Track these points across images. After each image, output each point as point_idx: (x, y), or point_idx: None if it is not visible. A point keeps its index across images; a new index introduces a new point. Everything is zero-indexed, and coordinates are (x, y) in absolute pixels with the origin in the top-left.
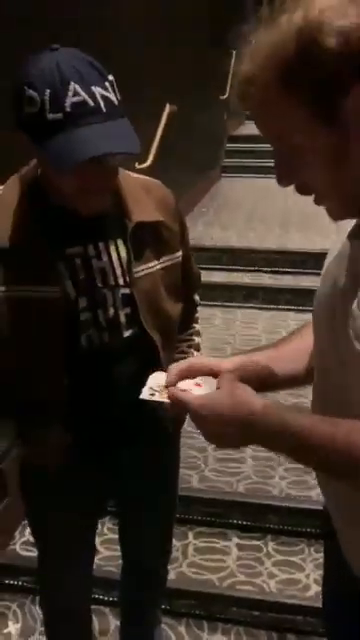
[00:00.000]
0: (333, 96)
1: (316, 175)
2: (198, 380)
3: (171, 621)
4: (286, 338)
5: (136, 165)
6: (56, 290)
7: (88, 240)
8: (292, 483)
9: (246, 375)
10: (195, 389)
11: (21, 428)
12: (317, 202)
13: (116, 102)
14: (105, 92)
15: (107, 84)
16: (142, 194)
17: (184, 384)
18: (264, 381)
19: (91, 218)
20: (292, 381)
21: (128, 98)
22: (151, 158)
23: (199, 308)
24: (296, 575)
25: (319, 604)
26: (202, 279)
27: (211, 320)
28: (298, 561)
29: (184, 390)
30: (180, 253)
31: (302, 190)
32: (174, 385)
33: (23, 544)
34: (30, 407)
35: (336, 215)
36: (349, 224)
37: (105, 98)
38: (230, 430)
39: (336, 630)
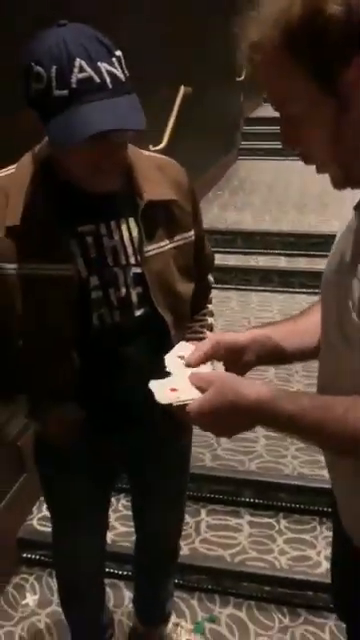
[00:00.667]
0: (334, 65)
1: (316, 143)
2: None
3: (184, 595)
4: (305, 311)
5: (150, 147)
6: (68, 268)
7: (100, 218)
8: (304, 462)
9: (262, 351)
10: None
11: (34, 405)
12: (318, 170)
13: (123, 78)
14: (112, 68)
15: (114, 60)
16: (155, 173)
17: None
18: (278, 355)
19: (103, 196)
20: (310, 353)
21: (142, 79)
22: (165, 140)
23: (214, 291)
24: (307, 552)
25: (329, 580)
26: (217, 262)
27: (226, 303)
28: (309, 539)
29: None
30: (192, 233)
31: (304, 157)
32: (198, 365)
33: (40, 519)
34: (43, 385)
35: (336, 184)
36: None
37: (111, 74)
38: (232, 424)
39: (344, 605)
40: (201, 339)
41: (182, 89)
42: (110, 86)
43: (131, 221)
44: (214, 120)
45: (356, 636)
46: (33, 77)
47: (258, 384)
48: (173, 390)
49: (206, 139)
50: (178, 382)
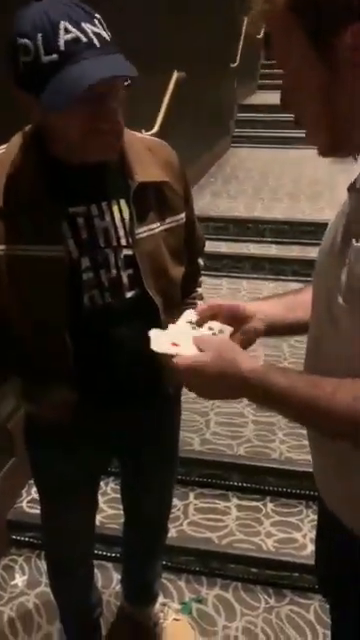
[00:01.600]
0: (332, 29)
1: (308, 107)
2: (221, 327)
3: (171, 576)
4: (302, 288)
5: (142, 132)
6: (59, 249)
7: (91, 199)
8: (292, 447)
9: (266, 320)
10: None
11: (26, 387)
12: (307, 137)
13: (108, 38)
14: (95, 29)
15: (96, 21)
16: (146, 154)
17: (211, 324)
18: (283, 325)
19: (95, 176)
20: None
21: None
22: (158, 125)
23: (205, 277)
24: (293, 535)
25: (313, 561)
26: (208, 249)
27: (217, 290)
28: (296, 521)
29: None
30: (183, 215)
31: (297, 120)
32: (205, 314)
33: (30, 502)
34: (36, 367)
35: (322, 151)
36: None
37: (97, 34)
38: (219, 387)
39: (329, 586)
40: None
41: (175, 74)
42: (98, 45)
43: (122, 202)
44: (207, 107)
45: (343, 617)
46: (21, 51)
47: (255, 360)
48: (174, 344)
49: (199, 126)
50: (180, 338)
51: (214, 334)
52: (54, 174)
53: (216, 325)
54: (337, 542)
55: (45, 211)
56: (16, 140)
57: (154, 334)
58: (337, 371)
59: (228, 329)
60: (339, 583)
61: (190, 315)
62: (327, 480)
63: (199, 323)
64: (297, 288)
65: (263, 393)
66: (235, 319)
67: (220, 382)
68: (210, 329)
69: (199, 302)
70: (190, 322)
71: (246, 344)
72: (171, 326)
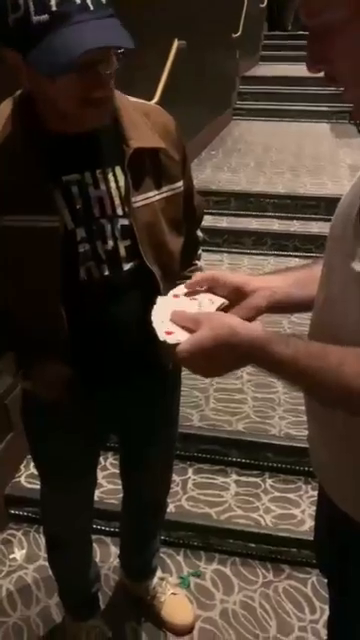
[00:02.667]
0: None
1: (345, 61)
2: (211, 298)
3: (169, 551)
4: (310, 264)
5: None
6: (54, 219)
7: (85, 167)
8: (291, 423)
9: (275, 297)
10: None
11: (22, 362)
12: (343, 96)
13: (104, 1)
14: None
15: None
16: (142, 119)
17: (200, 297)
18: (285, 306)
19: (88, 143)
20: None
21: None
22: (157, 96)
23: (205, 253)
24: (292, 510)
25: (312, 537)
26: (209, 224)
27: (217, 266)
28: (294, 497)
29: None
30: (181, 184)
31: (329, 78)
32: (194, 290)
33: (28, 477)
34: (32, 342)
35: (357, 113)
36: None
37: None
38: (222, 361)
39: (326, 563)
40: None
41: (176, 43)
42: (92, 7)
43: (117, 170)
44: (208, 78)
45: (341, 592)
46: (9, 7)
47: (252, 324)
48: (168, 333)
49: (200, 97)
50: (169, 326)
51: (210, 300)
52: (46, 141)
53: (204, 297)
54: (334, 521)
55: (37, 180)
56: (5, 107)
57: (155, 319)
58: (343, 339)
59: (218, 301)
60: (336, 561)
61: (178, 290)
62: (323, 458)
63: (188, 295)
64: (308, 262)
65: (264, 360)
66: (236, 293)
67: (221, 353)
68: (194, 299)
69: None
70: (175, 296)
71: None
72: (158, 305)
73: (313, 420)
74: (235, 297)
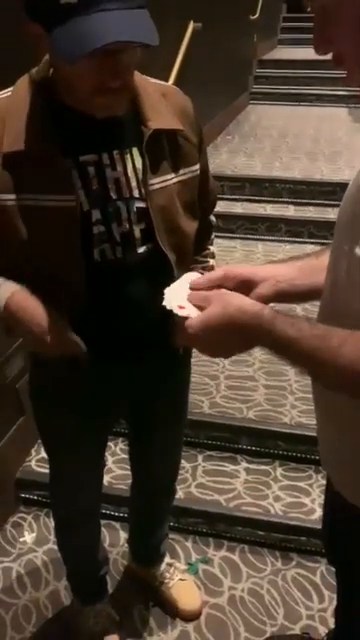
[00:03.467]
0: None
1: (344, 41)
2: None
3: (178, 537)
4: (320, 251)
5: None
6: (69, 200)
7: (102, 148)
8: (302, 412)
9: (281, 286)
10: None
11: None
12: (347, 78)
13: None
14: None
15: None
16: (160, 100)
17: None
18: (295, 292)
19: (106, 124)
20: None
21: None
22: (172, 79)
23: (218, 239)
24: (302, 499)
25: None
26: (223, 210)
27: (231, 252)
28: (304, 486)
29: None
30: (198, 167)
31: (337, 59)
32: (199, 288)
33: (39, 461)
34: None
35: None
36: None
37: None
38: (229, 341)
39: (333, 551)
40: None
41: (191, 25)
42: None
43: (135, 151)
44: (225, 61)
45: (345, 581)
46: None
47: (260, 303)
48: (180, 307)
49: (216, 81)
50: (181, 301)
51: None
52: (63, 120)
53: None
54: (341, 511)
55: (54, 159)
56: (22, 84)
57: (168, 294)
58: (349, 325)
59: None
60: (344, 551)
61: (190, 277)
62: (328, 446)
63: (199, 287)
64: (317, 250)
65: (270, 341)
66: (246, 285)
67: (228, 332)
68: None
69: (211, 260)
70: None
71: None
72: (174, 285)
73: (318, 407)
74: (244, 289)
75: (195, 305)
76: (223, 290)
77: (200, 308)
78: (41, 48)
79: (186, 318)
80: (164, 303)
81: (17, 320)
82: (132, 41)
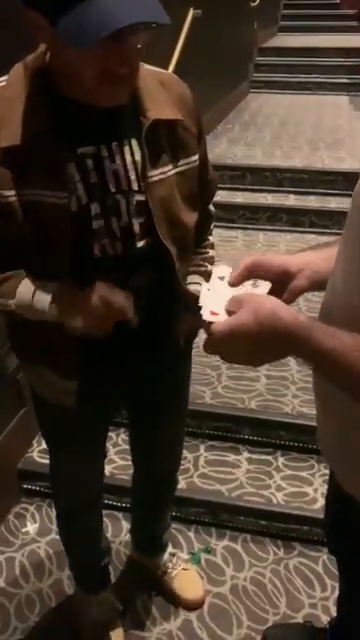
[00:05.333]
0: None
1: None
2: (255, 282)
3: (180, 527)
4: (333, 241)
5: None
6: (63, 196)
7: (100, 139)
8: (304, 401)
9: (316, 275)
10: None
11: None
12: None
13: None
14: None
15: None
16: (158, 89)
17: (245, 285)
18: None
19: (104, 115)
20: None
21: None
22: (172, 67)
23: (219, 229)
24: (304, 489)
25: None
26: (223, 199)
27: (232, 242)
28: (307, 476)
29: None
30: (197, 157)
31: None
32: (240, 283)
33: (40, 452)
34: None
35: None
36: None
37: None
38: (261, 348)
39: (335, 543)
40: (203, 272)
41: (191, 12)
42: None
43: (134, 143)
44: (225, 49)
45: (345, 571)
46: None
47: (295, 311)
48: (213, 314)
49: (216, 69)
50: (216, 305)
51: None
52: (60, 111)
53: (247, 282)
54: (342, 503)
55: (52, 152)
56: (17, 71)
57: (204, 299)
58: (351, 317)
59: (265, 285)
60: (345, 542)
61: (221, 271)
62: (330, 441)
63: (239, 281)
64: (327, 241)
65: (308, 352)
66: (282, 276)
67: (263, 340)
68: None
69: (211, 251)
70: (221, 278)
71: (288, 303)
72: (206, 290)
73: (318, 401)
74: (280, 280)
75: (228, 311)
76: (254, 293)
77: (229, 313)
78: (38, 36)
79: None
80: (201, 312)
81: (80, 307)
82: (147, 22)
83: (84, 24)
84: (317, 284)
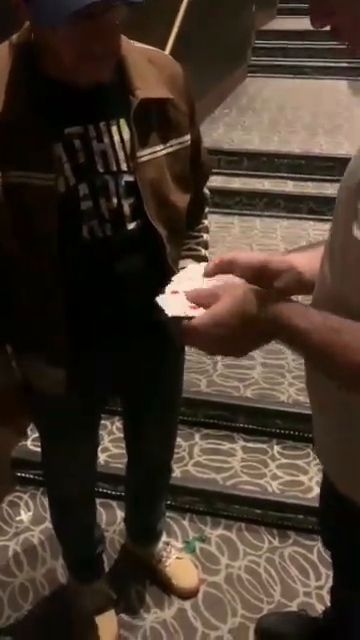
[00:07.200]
0: None
1: (345, 11)
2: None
3: (175, 515)
4: (319, 242)
5: None
6: (55, 175)
7: (88, 119)
8: (300, 390)
9: (294, 279)
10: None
11: (21, 331)
12: (347, 50)
13: None
14: None
15: None
16: (148, 67)
17: (219, 278)
18: (306, 284)
19: (91, 93)
20: None
21: None
22: (168, 50)
23: (215, 215)
24: (299, 477)
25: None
26: (220, 185)
27: (228, 228)
28: (302, 464)
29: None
30: (188, 137)
31: (336, 33)
32: (214, 274)
33: (34, 440)
34: (33, 306)
35: None
36: None
37: None
38: (241, 336)
39: (329, 537)
40: (196, 257)
41: None
42: None
43: (122, 122)
44: (222, 32)
45: (341, 566)
46: None
47: (274, 293)
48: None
49: (213, 53)
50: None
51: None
52: (47, 91)
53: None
54: (336, 501)
55: (38, 132)
56: (2, 50)
57: (162, 300)
58: (343, 310)
59: (239, 282)
60: (341, 539)
61: (192, 271)
62: (325, 440)
63: (209, 274)
64: (313, 243)
65: (287, 335)
66: (260, 276)
67: (244, 327)
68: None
69: (205, 235)
70: (191, 279)
71: None
72: (173, 284)
73: (312, 399)
74: (257, 279)
75: (200, 304)
76: (230, 280)
77: (205, 307)
78: (19, 14)
79: (189, 319)
80: (166, 312)
81: None
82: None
83: (54, 1)
84: (305, 285)
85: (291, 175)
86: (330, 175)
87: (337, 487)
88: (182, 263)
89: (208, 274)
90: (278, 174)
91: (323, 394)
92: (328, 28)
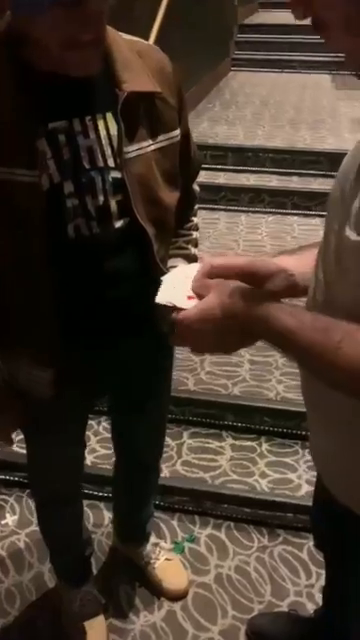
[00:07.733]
0: None
1: (331, 4)
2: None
3: (164, 515)
4: (308, 245)
5: None
6: (39, 172)
7: (73, 113)
8: (289, 387)
9: (284, 283)
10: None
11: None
12: (328, 42)
13: None
14: None
15: None
16: (135, 59)
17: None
18: (295, 289)
19: (76, 86)
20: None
21: None
22: (151, 43)
23: (201, 211)
24: (288, 475)
25: (309, 502)
26: (205, 180)
27: (214, 224)
28: (291, 462)
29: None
30: (178, 132)
31: (317, 24)
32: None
33: (20, 442)
34: (19, 311)
35: (350, 63)
36: None
37: None
38: (225, 333)
39: (321, 539)
40: (186, 255)
41: None
42: None
43: (109, 117)
44: (205, 26)
45: (335, 568)
46: None
47: (262, 291)
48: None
49: (196, 47)
50: (177, 295)
51: None
52: (29, 82)
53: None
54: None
55: (21, 126)
56: None
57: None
58: (338, 315)
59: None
60: (329, 543)
61: (184, 271)
62: (322, 448)
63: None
64: (316, 242)
65: (268, 332)
66: (252, 280)
67: (228, 324)
68: None
69: (194, 233)
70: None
71: None
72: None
73: (307, 406)
74: (249, 282)
75: (196, 293)
76: (220, 281)
77: (200, 297)
78: (1, 3)
79: (178, 310)
80: (160, 299)
81: None
82: None
83: None
84: (295, 287)
85: (275, 170)
86: (315, 170)
87: (338, 499)
88: (171, 262)
89: (199, 281)
90: (263, 169)
91: (317, 400)
92: (309, 21)
